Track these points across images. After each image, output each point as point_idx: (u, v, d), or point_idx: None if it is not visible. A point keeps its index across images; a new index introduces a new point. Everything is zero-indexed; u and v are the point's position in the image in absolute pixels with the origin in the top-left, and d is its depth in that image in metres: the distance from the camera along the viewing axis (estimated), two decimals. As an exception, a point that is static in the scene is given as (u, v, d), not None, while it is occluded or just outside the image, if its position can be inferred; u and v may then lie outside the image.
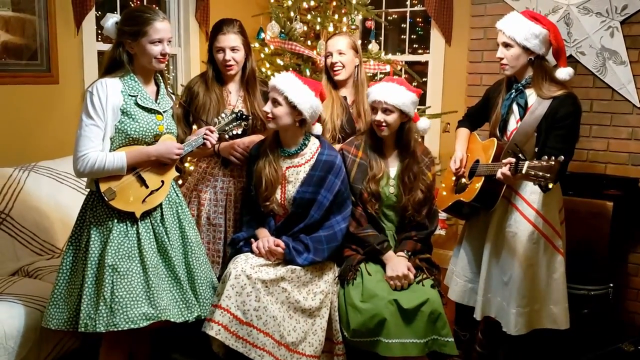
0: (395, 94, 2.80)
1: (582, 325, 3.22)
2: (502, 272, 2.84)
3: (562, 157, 2.34)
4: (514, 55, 2.73)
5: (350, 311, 2.71)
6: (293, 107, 2.71)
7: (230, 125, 2.75)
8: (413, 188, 2.88)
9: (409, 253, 2.85)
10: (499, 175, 2.56)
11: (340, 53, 3.20)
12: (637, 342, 3.39)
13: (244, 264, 2.66)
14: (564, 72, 2.74)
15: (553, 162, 2.33)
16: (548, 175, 2.34)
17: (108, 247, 2.42)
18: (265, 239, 2.77)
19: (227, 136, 2.83)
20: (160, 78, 2.63)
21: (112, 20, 2.49)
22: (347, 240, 2.89)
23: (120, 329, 2.37)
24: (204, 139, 2.63)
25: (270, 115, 2.74)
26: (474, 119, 3.16)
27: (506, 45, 2.74)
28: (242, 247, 2.81)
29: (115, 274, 2.40)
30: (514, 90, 2.81)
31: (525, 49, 2.70)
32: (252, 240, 2.80)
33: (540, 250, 2.80)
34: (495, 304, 2.87)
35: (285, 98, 2.70)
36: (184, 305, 2.57)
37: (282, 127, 2.78)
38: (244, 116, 2.77)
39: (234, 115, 2.75)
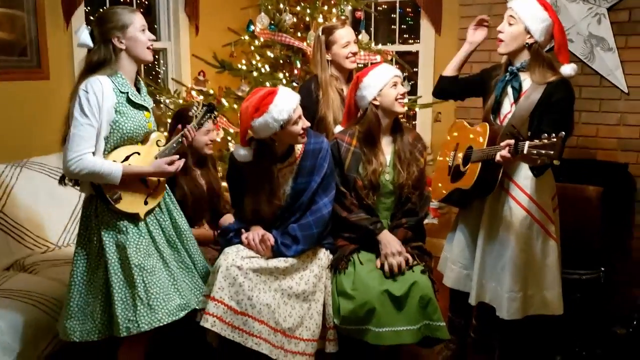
0: None
1: (574, 309, 3.25)
2: (497, 258, 2.86)
3: (563, 132, 2.33)
4: (514, 33, 2.75)
5: (341, 298, 2.74)
6: None
7: (204, 119, 2.72)
8: (410, 164, 2.90)
9: (400, 242, 2.86)
10: (498, 158, 2.55)
11: (355, 42, 3.27)
12: (629, 325, 3.44)
13: (234, 256, 2.67)
14: (569, 68, 2.75)
15: (555, 139, 2.32)
16: (551, 152, 2.33)
17: (128, 249, 2.44)
18: (256, 232, 2.77)
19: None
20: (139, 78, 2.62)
21: (85, 30, 2.43)
22: (339, 229, 2.91)
23: (164, 323, 2.45)
24: (183, 136, 2.62)
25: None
26: (459, 83, 3.16)
27: (510, 21, 2.76)
28: (232, 238, 2.81)
29: (144, 273, 2.44)
30: (508, 73, 2.83)
31: (527, 31, 2.72)
32: (243, 230, 2.81)
33: (534, 235, 2.81)
34: (489, 290, 2.89)
35: None
36: (198, 292, 2.66)
37: None
38: (213, 108, 2.76)
39: (205, 108, 2.73)
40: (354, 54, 3.26)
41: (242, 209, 2.85)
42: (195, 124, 2.69)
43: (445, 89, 3.15)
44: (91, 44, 2.43)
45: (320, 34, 3.27)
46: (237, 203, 2.91)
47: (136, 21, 2.45)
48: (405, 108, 2.92)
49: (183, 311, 2.54)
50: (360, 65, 4.11)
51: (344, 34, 3.24)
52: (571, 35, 3.91)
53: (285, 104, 2.64)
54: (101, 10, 2.56)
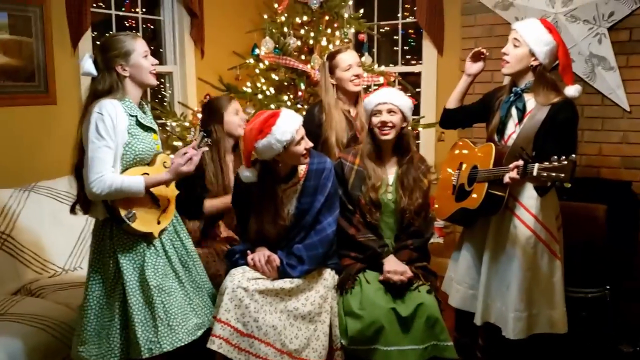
0: (398, 96, 2.93)
1: (580, 328, 3.25)
2: (502, 278, 2.86)
3: (574, 155, 2.34)
4: (519, 55, 2.77)
5: (348, 318, 2.74)
6: None
7: (201, 142, 2.69)
8: (413, 191, 2.91)
9: (405, 262, 2.86)
10: (506, 179, 2.57)
11: (358, 65, 3.33)
12: (636, 343, 3.42)
13: (240, 277, 2.68)
14: (573, 90, 2.77)
15: (565, 162, 2.33)
16: (562, 175, 2.34)
17: (146, 270, 2.45)
18: (261, 253, 2.77)
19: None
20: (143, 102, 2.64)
21: (89, 59, 2.44)
22: (345, 248, 2.92)
23: (185, 342, 2.48)
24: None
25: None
26: (464, 111, 3.16)
27: (515, 43, 2.79)
28: (238, 259, 2.82)
29: (162, 294, 2.47)
30: (512, 94, 2.85)
31: (531, 53, 2.74)
32: (248, 252, 2.81)
33: (538, 255, 2.81)
34: (495, 310, 2.89)
35: None
36: (208, 311, 2.68)
37: None
38: (209, 133, 2.78)
39: (202, 134, 2.70)
40: (358, 76, 3.30)
41: (248, 230, 2.87)
42: (195, 147, 2.71)
43: (450, 120, 3.18)
44: (95, 73, 2.44)
45: (325, 60, 3.34)
46: (243, 224, 2.92)
47: (139, 47, 2.48)
48: (389, 137, 2.89)
49: (200, 330, 2.58)
50: (363, 87, 4.15)
51: (346, 58, 3.29)
52: (572, 55, 3.92)
53: (287, 125, 2.66)
54: (106, 36, 2.59)
